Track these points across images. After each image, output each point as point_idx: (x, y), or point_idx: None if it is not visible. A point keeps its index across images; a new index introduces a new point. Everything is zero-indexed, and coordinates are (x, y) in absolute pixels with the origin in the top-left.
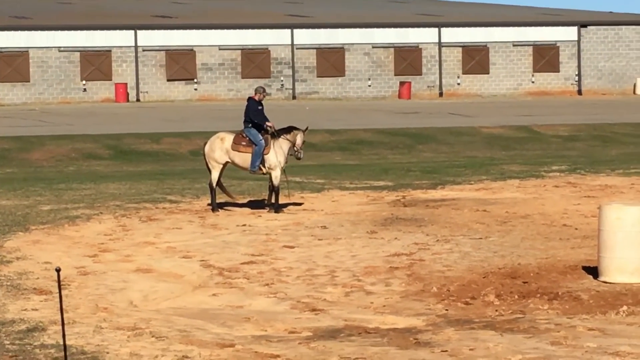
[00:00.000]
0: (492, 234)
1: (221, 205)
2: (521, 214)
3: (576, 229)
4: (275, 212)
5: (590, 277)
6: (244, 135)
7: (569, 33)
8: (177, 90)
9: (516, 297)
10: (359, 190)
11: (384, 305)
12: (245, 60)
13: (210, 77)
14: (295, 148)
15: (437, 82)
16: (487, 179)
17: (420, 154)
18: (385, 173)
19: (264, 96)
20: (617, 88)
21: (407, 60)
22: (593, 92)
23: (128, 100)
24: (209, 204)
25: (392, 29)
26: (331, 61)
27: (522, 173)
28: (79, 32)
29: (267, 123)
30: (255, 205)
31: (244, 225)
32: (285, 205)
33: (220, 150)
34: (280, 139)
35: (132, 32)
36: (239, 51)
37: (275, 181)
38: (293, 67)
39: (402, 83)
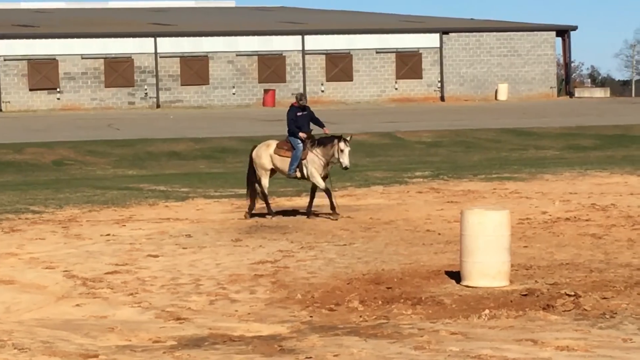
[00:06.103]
0: (356, 240)
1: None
2: (385, 220)
3: (439, 234)
4: (332, 210)
5: (453, 281)
6: (288, 140)
7: (431, 40)
8: (39, 100)
9: (380, 302)
10: (224, 199)
11: (249, 313)
12: (108, 69)
13: (73, 86)
14: (333, 159)
15: (301, 90)
16: (351, 186)
17: None
18: None
19: (302, 101)
20: (479, 94)
21: (271, 68)
22: (455, 98)
23: None
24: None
25: (256, 37)
26: (195, 69)
27: (386, 179)
28: None
29: (300, 134)
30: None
31: (108, 235)
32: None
33: (266, 157)
34: (314, 151)
35: None
36: (102, 60)
37: (320, 186)
38: (157, 76)
39: (266, 91)
